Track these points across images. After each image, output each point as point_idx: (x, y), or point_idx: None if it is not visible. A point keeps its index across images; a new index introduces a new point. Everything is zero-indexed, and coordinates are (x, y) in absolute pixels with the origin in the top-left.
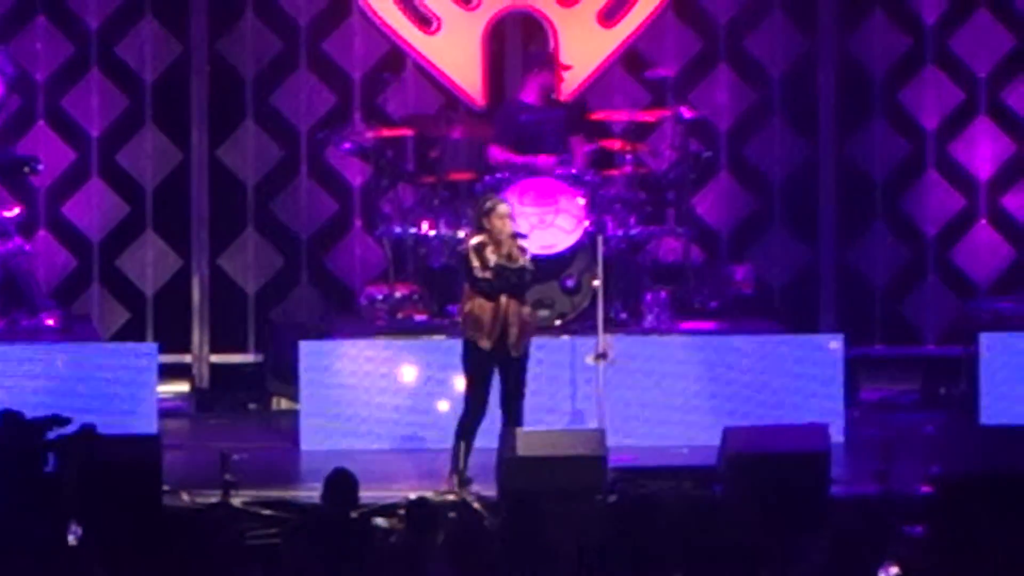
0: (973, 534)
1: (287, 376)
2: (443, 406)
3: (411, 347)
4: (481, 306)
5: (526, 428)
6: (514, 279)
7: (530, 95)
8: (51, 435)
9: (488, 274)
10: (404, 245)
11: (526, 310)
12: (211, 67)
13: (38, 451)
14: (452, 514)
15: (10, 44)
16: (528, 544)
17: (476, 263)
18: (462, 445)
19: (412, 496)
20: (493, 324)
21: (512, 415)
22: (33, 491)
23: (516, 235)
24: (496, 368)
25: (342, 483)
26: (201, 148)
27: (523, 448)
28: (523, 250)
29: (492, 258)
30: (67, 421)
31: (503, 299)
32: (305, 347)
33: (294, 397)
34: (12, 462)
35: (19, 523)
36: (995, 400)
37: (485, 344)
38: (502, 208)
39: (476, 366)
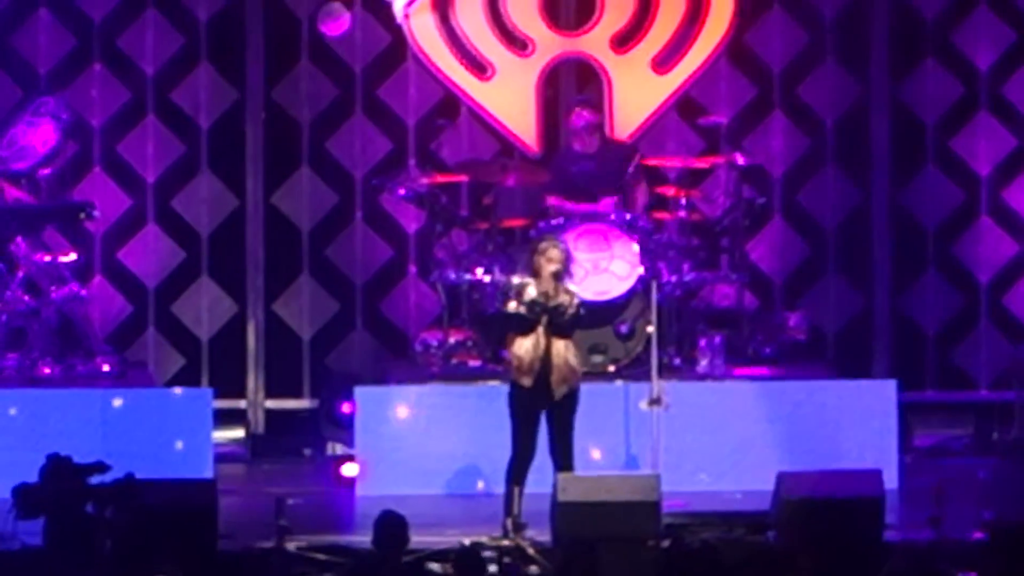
0: None
1: (342, 422)
2: (498, 452)
3: (465, 393)
4: (520, 344)
5: (580, 473)
6: (545, 315)
7: (579, 141)
8: (92, 481)
9: (522, 308)
10: (458, 291)
11: (571, 353)
12: (267, 113)
13: (79, 496)
14: (507, 559)
15: (67, 91)
16: None
17: (512, 300)
18: (514, 490)
19: (466, 542)
20: (532, 362)
21: (559, 459)
22: (73, 535)
23: (560, 275)
24: (542, 411)
25: (391, 525)
26: (256, 194)
27: (577, 493)
28: (569, 292)
29: (530, 294)
30: (108, 468)
31: (542, 338)
32: (360, 393)
33: (349, 443)
34: (54, 506)
35: (61, 566)
36: None
37: (526, 382)
38: (551, 250)
39: (519, 407)
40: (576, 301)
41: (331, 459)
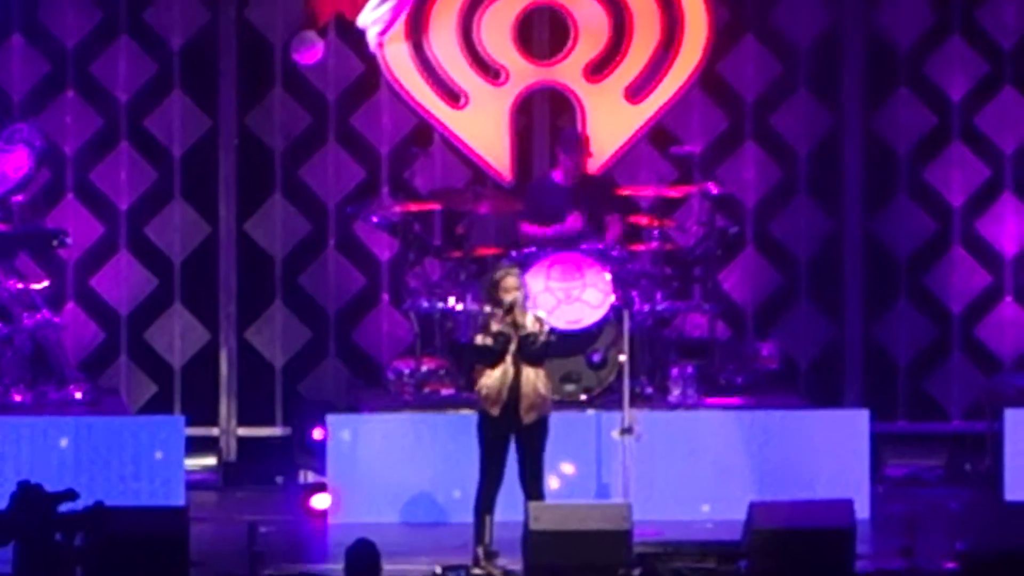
0: None
1: (314, 450)
2: (470, 480)
3: (437, 421)
4: (489, 375)
5: (552, 502)
6: (513, 344)
7: (559, 175)
8: (62, 508)
9: (488, 340)
10: (431, 319)
11: (541, 381)
12: (240, 141)
13: (48, 524)
14: None
15: (40, 117)
16: None
17: (479, 334)
18: (485, 518)
19: (438, 570)
20: (499, 392)
21: (529, 488)
22: (42, 563)
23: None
24: (510, 439)
25: (363, 554)
26: (229, 221)
27: (548, 522)
28: (539, 319)
29: (495, 326)
30: (77, 496)
31: (511, 367)
32: (332, 421)
33: (321, 471)
34: (23, 533)
35: None
36: (1020, 476)
37: (494, 411)
38: (506, 279)
39: (486, 435)
40: (546, 329)
41: (303, 488)
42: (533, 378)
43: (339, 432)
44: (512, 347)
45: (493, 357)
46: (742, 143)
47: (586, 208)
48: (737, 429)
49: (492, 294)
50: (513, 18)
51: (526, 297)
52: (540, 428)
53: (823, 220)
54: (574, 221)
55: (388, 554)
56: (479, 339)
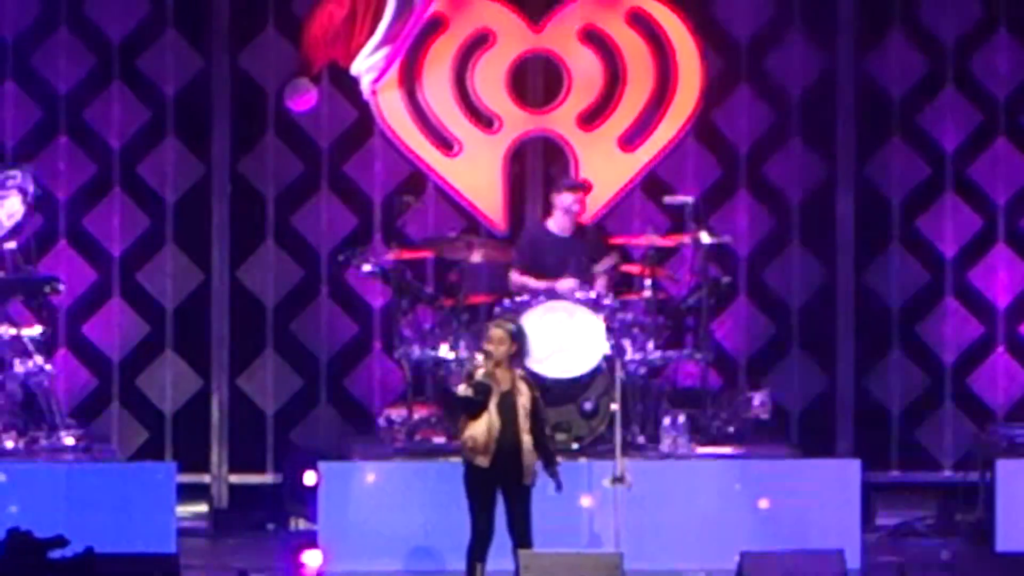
0: None
1: (305, 497)
2: (461, 528)
3: (429, 469)
4: (474, 426)
5: (542, 551)
6: (489, 395)
7: (555, 220)
8: (52, 555)
9: (469, 391)
10: (423, 367)
11: (525, 436)
12: (233, 187)
13: (39, 571)
14: None
15: (33, 163)
16: None
17: (462, 383)
18: (476, 567)
19: None
20: (486, 443)
21: (518, 537)
22: None
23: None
24: (500, 491)
25: None
26: (222, 268)
27: (538, 571)
28: (526, 381)
29: (478, 376)
30: (67, 542)
31: (496, 418)
32: (324, 468)
33: (312, 518)
34: None
35: None
36: (1012, 527)
37: (482, 462)
38: (492, 331)
39: (474, 487)
40: (528, 393)
41: (293, 541)
42: (527, 438)
43: (330, 479)
44: (494, 399)
45: (473, 408)
46: (735, 192)
47: (577, 259)
48: (729, 478)
49: (482, 343)
50: (507, 66)
51: (521, 355)
52: (529, 490)
53: (816, 269)
54: (567, 282)
55: None
56: (461, 388)
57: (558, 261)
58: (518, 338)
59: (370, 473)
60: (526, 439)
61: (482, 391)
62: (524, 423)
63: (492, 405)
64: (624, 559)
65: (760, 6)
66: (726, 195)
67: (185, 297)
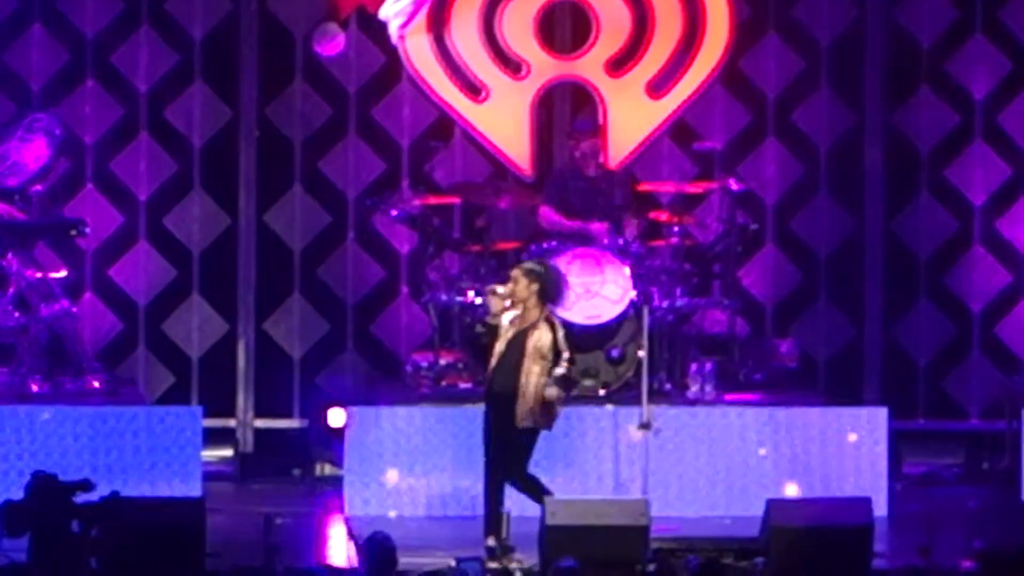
0: None
1: (331, 442)
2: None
3: (455, 415)
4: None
5: (569, 496)
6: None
7: (580, 162)
8: (78, 499)
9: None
10: (450, 313)
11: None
12: (260, 132)
13: (64, 514)
14: None
15: (59, 107)
16: None
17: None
18: (498, 512)
19: (452, 563)
20: (489, 382)
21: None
22: (58, 553)
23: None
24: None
25: (379, 547)
26: (249, 213)
27: (565, 517)
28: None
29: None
30: (93, 486)
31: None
32: (350, 413)
33: (338, 463)
34: (39, 523)
35: None
36: None
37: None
38: (512, 272)
39: (485, 424)
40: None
41: (319, 480)
42: (535, 380)
43: (357, 424)
44: (506, 338)
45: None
46: (763, 140)
47: (606, 203)
48: (755, 426)
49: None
50: (535, 12)
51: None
52: (528, 437)
53: (844, 218)
54: (597, 227)
55: (404, 547)
56: (478, 327)
57: (586, 202)
58: (538, 277)
59: (396, 419)
60: (526, 380)
61: (485, 330)
62: (530, 364)
63: (501, 344)
64: (650, 505)
65: None
66: (754, 143)
67: (212, 241)
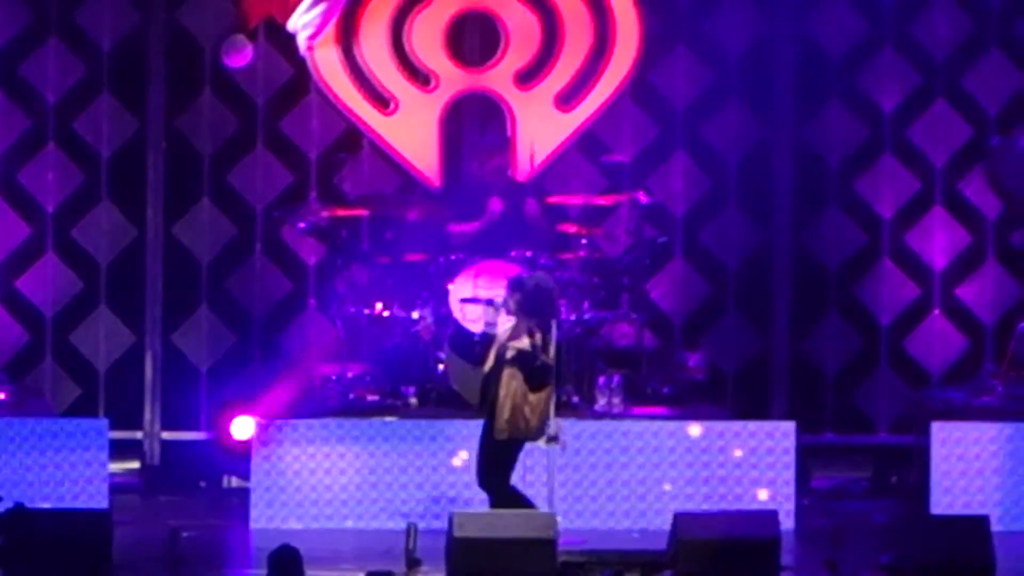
0: None
1: (238, 455)
2: (393, 487)
3: (362, 427)
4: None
5: (474, 510)
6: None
7: (487, 177)
8: None
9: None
10: (358, 325)
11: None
12: (168, 144)
13: None
14: None
15: None
16: None
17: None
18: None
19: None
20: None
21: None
22: None
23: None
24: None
25: (286, 560)
26: (156, 224)
27: (473, 530)
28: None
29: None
30: None
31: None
32: (257, 426)
33: (245, 475)
34: None
35: None
36: (946, 489)
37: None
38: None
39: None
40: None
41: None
42: (513, 390)
43: (263, 437)
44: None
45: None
46: (672, 153)
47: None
48: (663, 439)
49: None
50: (444, 24)
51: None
52: (507, 448)
53: (752, 231)
54: (494, 204)
55: (310, 560)
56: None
57: (484, 200)
58: (519, 288)
59: (303, 431)
60: (505, 391)
61: (480, 343)
62: (506, 378)
63: (491, 356)
64: (558, 519)
65: None
66: (663, 155)
67: (119, 253)
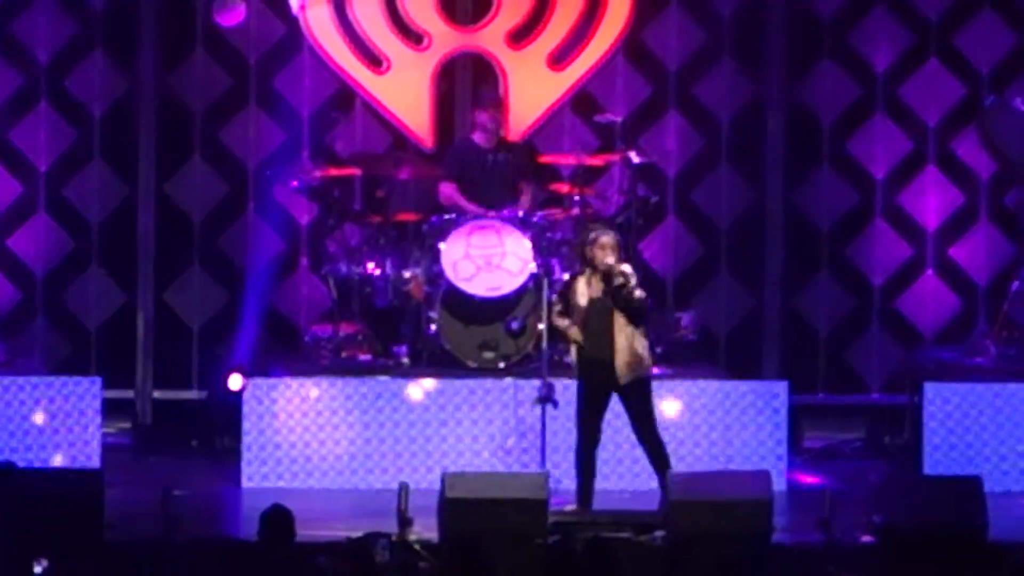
0: None
1: (230, 413)
2: (385, 446)
3: (354, 387)
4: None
5: (467, 471)
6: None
7: (479, 136)
8: None
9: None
10: (350, 284)
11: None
12: (160, 102)
13: None
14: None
15: None
16: None
17: (557, 306)
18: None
19: (354, 535)
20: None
21: (646, 449)
22: None
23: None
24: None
25: (277, 519)
26: (148, 183)
27: (465, 490)
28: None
29: (580, 299)
30: None
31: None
32: (248, 384)
33: (236, 434)
34: None
35: None
36: (938, 450)
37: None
38: (603, 239)
39: (580, 393)
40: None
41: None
42: (629, 336)
43: (255, 396)
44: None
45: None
46: (665, 112)
47: (506, 178)
48: (655, 399)
49: (584, 252)
50: None
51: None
52: (639, 388)
53: (745, 190)
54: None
55: (302, 519)
56: (555, 321)
57: (484, 175)
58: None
59: (295, 390)
60: (619, 339)
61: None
62: (620, 322)
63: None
64: (550, 479)
65: None
66: (655, 114)
67: (111, 212)
